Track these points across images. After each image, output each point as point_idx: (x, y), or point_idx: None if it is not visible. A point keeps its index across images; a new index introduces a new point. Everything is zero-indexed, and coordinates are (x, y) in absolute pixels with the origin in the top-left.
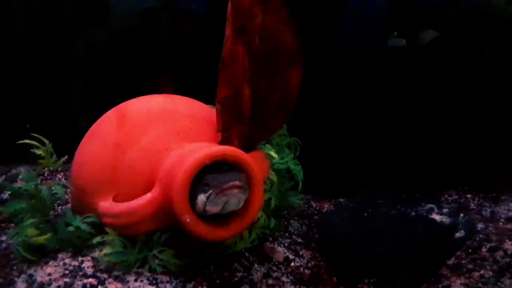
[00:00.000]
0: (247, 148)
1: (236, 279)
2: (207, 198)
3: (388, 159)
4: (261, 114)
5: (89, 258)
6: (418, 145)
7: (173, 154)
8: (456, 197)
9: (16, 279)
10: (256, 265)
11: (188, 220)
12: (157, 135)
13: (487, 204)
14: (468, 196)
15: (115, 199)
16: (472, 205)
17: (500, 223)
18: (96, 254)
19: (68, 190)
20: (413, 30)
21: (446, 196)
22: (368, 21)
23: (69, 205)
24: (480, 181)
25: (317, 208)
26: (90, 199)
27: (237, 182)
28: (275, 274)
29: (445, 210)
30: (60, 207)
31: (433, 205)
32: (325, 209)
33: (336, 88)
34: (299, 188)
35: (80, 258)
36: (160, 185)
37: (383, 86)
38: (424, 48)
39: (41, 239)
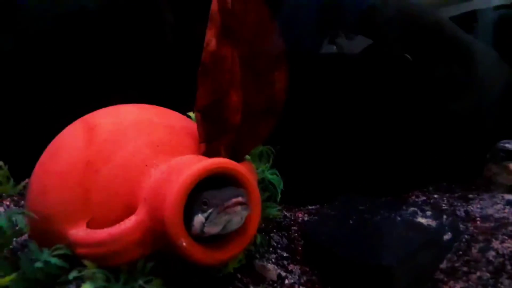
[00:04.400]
0: (235, 159)
1: None
2: (206, 218)
3: (352, 163)
4: (248, 121)
5: None
6: (375, 149)
7: (157, 170)
8: (424, 198)
9: None
10: (251, 287)
11: (184, 244)
12: (133, 150)
13: (459, 204)
14: (436, 196)
15: (89, 225)
16: (444, 206)
17: (478, 222)
18: None
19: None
20: (345, 37)
21: (413, 197)
22: (300, 27)
23: (25, 236)
24: (443, 180)
25: (292, 218)
26: (57, 227)
27: (239, 199)
28: None
29: (428, 213)
30: (15, 239)
31: (416, 208)
32: (300, 218)
33: None
34: (278, 199)
35: None
36: (146, 206)
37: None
38: (357, 55)
39: (5, 281)
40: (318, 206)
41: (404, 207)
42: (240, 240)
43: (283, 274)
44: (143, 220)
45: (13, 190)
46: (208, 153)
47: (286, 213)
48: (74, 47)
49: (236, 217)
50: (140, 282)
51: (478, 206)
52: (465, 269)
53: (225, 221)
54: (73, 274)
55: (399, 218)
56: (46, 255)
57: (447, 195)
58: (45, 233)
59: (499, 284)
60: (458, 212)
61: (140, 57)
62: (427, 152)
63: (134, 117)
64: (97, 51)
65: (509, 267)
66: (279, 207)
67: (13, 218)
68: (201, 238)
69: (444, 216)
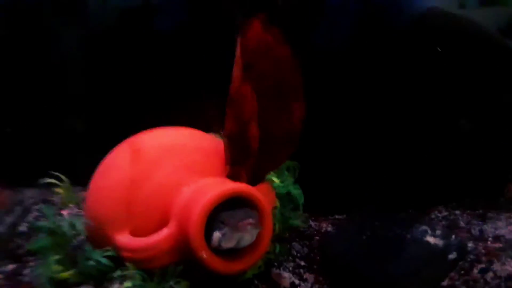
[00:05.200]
0: (255, 180)
1: None
2: (222, 235)
3: (380, 175)
4: (268, 148)
5: None
6: (408, 162)
7: (186, 190)
8: (446, 213)
9: None
10: None
11: (204, 256)
12: (169, 170)
13: (475, 222)
14: (457, 212)
15: (132, 233)
16: (462, 223)
17: (489, 242)
18: (116, 286)
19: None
20: None
21: (436, 212)
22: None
23: (83, 237)
24: (467, 196)
25: (316, 228)
26: (106, 233)
27: (250, 220)
28: None
29: (438, 232)
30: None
31: (426, 227)
32: (324, 228)
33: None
34: (300, 212)
35: None
36: (175, 221)
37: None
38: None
39: (66, 275)
40: (344, 216)
41: (416, 225)
42: (253, 253)
43: (297, 282)
44: (173, 232)
45: (75, 200)
46: (232, 175)
47: (312, 222)
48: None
49: (247, 235)
50: (171, 283)
51: (493, 226)
52: (463, 287)
53: (238, 237)
54: (117, 273)
55: (408, 236)
56: (98, 255)
57: (468, 211)
58: (97, 237)
59: None
60: (473, 231)
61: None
62: (457, 167)
63: (172, 141)
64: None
65: None
66: (303, 218)
67: (73, 223)
68: (220, 251)
69: (453, 236)
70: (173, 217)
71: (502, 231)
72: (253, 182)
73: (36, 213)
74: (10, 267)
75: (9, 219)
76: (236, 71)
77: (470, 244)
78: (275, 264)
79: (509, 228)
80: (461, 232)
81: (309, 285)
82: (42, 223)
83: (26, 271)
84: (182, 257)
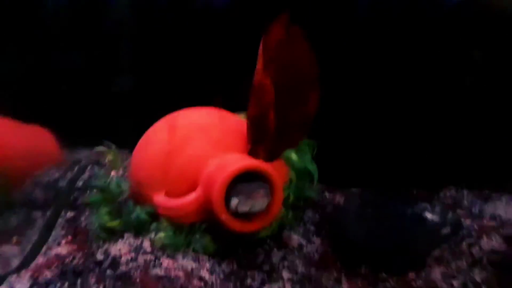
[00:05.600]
0: (271, 157)
1: (259, 260)
2: (239, 201)
3: (397, 155)
4: (284, 131)
5: (147, 239)
6: (425, 142)
7: (212, 162)
8: (454, 193)
9: (95, 252)
10: (275, 250)
11: (224, 217)
12: (198, 145)
13: (478, 202)
14: (465, 192)
15: (166, 194)
16: (465, 202)
17: (484, 220)
18: (152, 236)
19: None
20: None
21: (446, 191)
22: None
23: (127, 195)
24: (477, 178)
25: (330, 199)
26: (146, 193)
27: (261, 191)
28: (290, 258)
29: (436, 209)
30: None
31: (427, 205)
32: (337, 200)
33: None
34: (315, 184)
35: (140, 239)
36: (202, 188)
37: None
38: None
39: (113, 223)
40: (359, 189)
41: (419, 203)
42: (265, 218)
43: (304, 243)
44: (200, 196)
45: (121, 165)
46: (251, 152)
47: (327, 194)
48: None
49: (258, 203)
50: (197, 236)
51: (493, 206)
52: (449, 257)
53: (251, 204)
54: (153, 226)
55: (409, 212)
56: (138, 210)
57: (475, 192)
58: (138, 195)
59: (470, 273)
60: (473, 210)
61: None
62: (471, 150)
63: (202, 120)
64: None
65: (484, 260)
66: (317, 190)
67: (119, 183)
68: (237, 214)
69: (450, 213)
70: (200, 184)
71: (499, 211)
72: (269, 159)
73: (90, 173)
74: (70, 214)
75: (69, 176)
76: (259, 65)
77: (468, 222)
78: (287, 227)
79: (508, 209)
80: (462, 210)
81: (315, 246)
82: (95, 182)
83: (82, 219)
84: (207, 217)
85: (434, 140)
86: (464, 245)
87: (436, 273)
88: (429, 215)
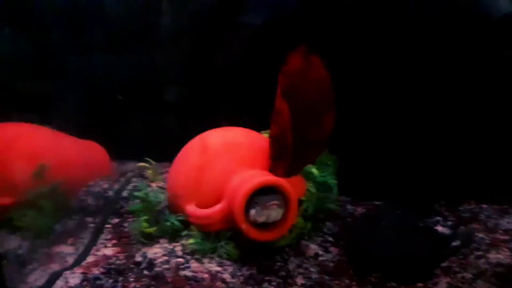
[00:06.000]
0: (290, 173)
1: (277, 267)
2: (256, 212)
3: (419, 169)
4: (302, 149)
5: (179, 244)
6: (447, 157)
7: (236, 177)
8: (473, 206)
9: (135, 254)
10: (292, 258)
11: (244, 227)
12: (226, 162)
13: (495, 216)
14: (484, 206)
15: (197, 205)
16: (482, 216)
17: (498, 234)
18: (184, 242)
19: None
20: None
21: (465, 205)
22: None
23: (164, 204)
24: (496, 192)
25: (351, 211)
26: (180, 203)
27: (275, 202)
28: (305, 265)
29: (448, 223)
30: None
31: (440, 218)
32: (358, 212)
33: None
34: (334, 197)
35: (173, 244)
36: (227, 200)
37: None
38: None
39: (150, 230)
40: (382, 202)
41: (432, 216)
42: (280, 228)
43: (321, 253)
44: (225, 207)
45: (159, 178)
46: (272, 168)
47: (349, 206)
48: None
49: (273, 213)
50: (222, 243)
51: (509, 220)
52: (457, 269)
53: (267, 214)
54: (185, 232)
55: (421, 225)
56: (173, 218)
57: (494, 206)
58: (174, 205)
59: (473, 284)
60: (488, 223)
61: None
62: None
63: (230, 139)
64: None
65: (489, 273)
66: (337, 202)
67: (157, 194)
68: (257, 224)
69: (461, 227)
70: (225, 196)
71: None
72: (288, 174)
73: (134, 184)
74: (116, 220)
75: (116, 187)
76: (279, 91)
77: (481, 235)
78: (306, 237)
79: None
80: (477, 224)
81: (331, 256)
82: (137, 192)
83: (125, 224)
84: (231, 226)
85: (457, 155)
86: (472, 257)
87: (442, 283)
88: (440, 228)
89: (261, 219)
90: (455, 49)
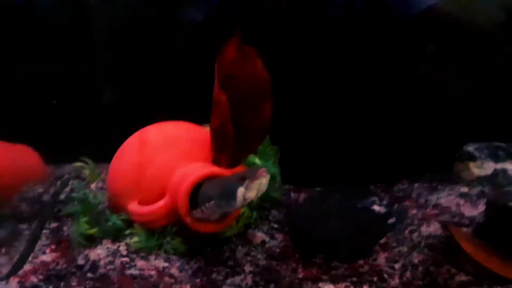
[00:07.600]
0: (233, 164)
1: (225, 257)
2: (246, 187)
3: (354, 155)
4: (244, 138)
5: (123, 243)
6: (378, 141)
7: (178, 172)
8: (406, 186)
9: (77, 257)
10: (239, 247)
11: (188, 220)
12: (167, 157)
13: (425, 193)
14: (415, 185)
15: (139, 202)
16: (414, 194)
17: (428, 209)
18: (128, 241)
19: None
20: None
21: (399, 185)
22: None
23: (104, 205)
24: (426, 171)
25: (294, 198)
26: (122, 202)
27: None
28: (252, 253)
29: (383, 202)
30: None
31: (375, 198)
32: (301, 199)
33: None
34: (277, 186)
35: (117, 244)
36: (170, 194)
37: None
38: None
39: (92, 231)
40: (323, 188)
41: (368, 197)
42: (223, 220)
43: (267, 240)
44: (168, 203)
45: (98, 177)
46: (215, 160)
47: (293, 194)
48: None
49: (265, 180)
50: (168, 238)
51: (437, 196)
52: (393, 244)
53: (259, 184)
54: (128, 231)
55: (359, 206)
56: (114, 218)
57: (425, 185)
58: (114, 205)
59: (409, 256)
60: (420, 200)
61: None
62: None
63: (170, 133)
64: None
65: (422, 244)
66: (280, 191)
67: (97, 195)
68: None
69: (396, 205)
70: (168, 191)
71: (441, 201)
72: (231, 165)
73: (71, 186)
74: (54, 225)
75: (52, 190)
76: (216, 82)
77: (414, 211)
78: (252, 226)
79: (448, 198)
80: (410, 201)
81: (277, 242)
82: (75, 194)
83: (65, 228)
84: (175, 221)
85: (388, 140)
86: (406, 232)
87: (381, 258)
88: (376, 208)
89: (252, 194)
90: (378, 39)
